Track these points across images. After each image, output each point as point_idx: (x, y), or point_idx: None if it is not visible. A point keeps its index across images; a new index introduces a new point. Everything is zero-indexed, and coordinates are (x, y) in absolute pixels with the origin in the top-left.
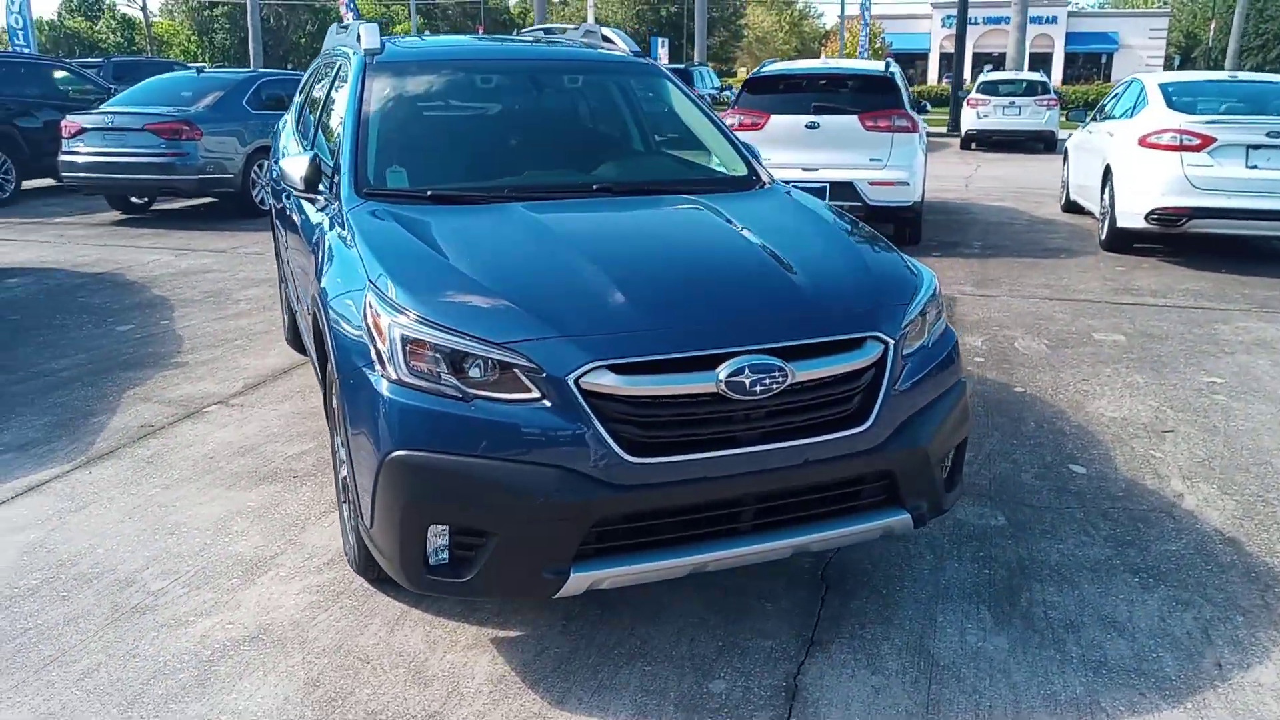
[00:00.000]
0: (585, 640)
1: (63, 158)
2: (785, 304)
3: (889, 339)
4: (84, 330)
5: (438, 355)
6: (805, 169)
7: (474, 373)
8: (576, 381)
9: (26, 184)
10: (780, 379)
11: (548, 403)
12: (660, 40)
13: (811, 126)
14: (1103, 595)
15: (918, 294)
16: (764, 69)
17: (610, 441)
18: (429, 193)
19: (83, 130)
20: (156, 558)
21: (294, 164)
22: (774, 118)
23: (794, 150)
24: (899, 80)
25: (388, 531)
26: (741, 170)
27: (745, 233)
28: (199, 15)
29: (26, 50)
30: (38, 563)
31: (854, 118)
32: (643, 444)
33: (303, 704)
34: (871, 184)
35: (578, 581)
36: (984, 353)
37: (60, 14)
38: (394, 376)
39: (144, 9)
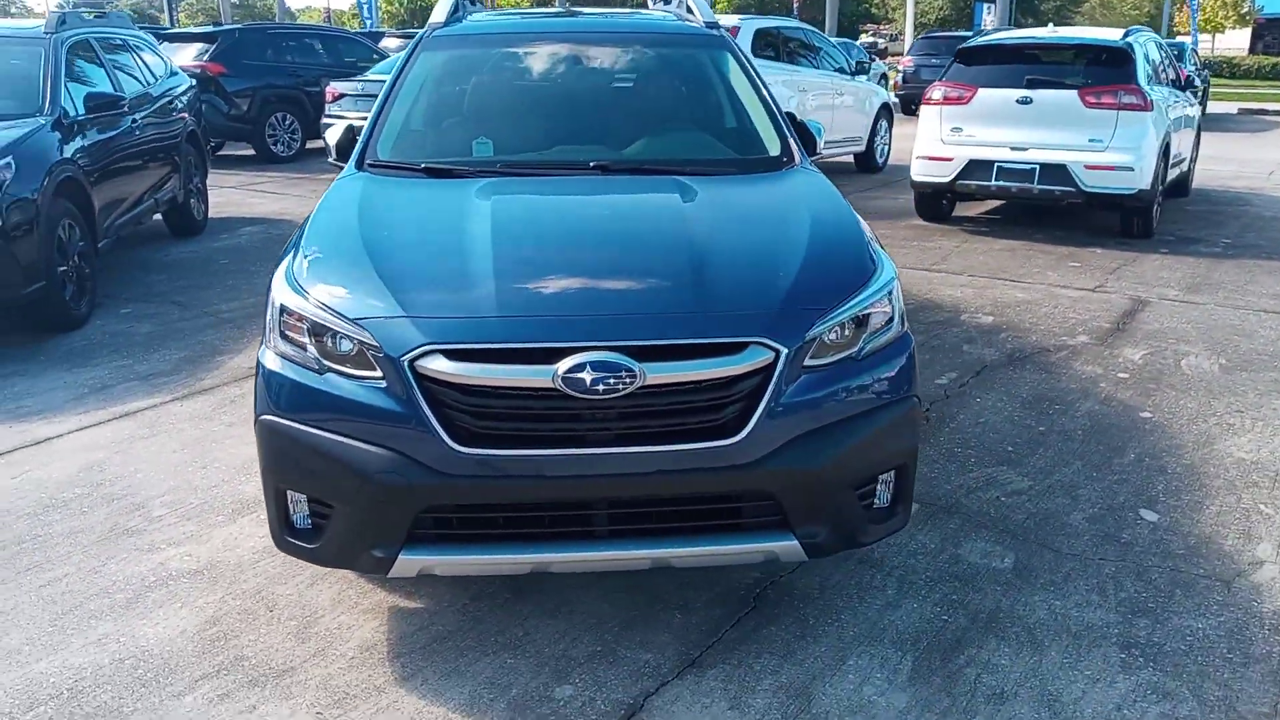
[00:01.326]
0: (473, 623)
1: (324, 120)
2: (662, 302)
3: (780, 347)
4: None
5: (303, 326)
6: (1013, 148)
7: (330, 347)
8: (411, 364)
9: (310, 144)
10: (628, 380)
11: (385, 383)
12: (986, 6)
13: (1023, 102)
14: (1063, 668)
15: (848, 301)
16: (980, 38)
17: (439, 428)
18: (423, 166)
19: (341, 96)
20: (175, 488)
21: (334, 132)
22: (982, 91)
23: (1002, 127)
24: (1138, 52)
25: (264, 491)
26: (773, 150)
27: (692, 222)
28: None
29: (369, 24)
30: (85, 479)
31: (1073, 93)
32: (475, 434)
33: (192, 638)
34: (1088, 167)
35: (406, 565)
36: (1134, 369)
37: None
38: (272, 343)
39: None
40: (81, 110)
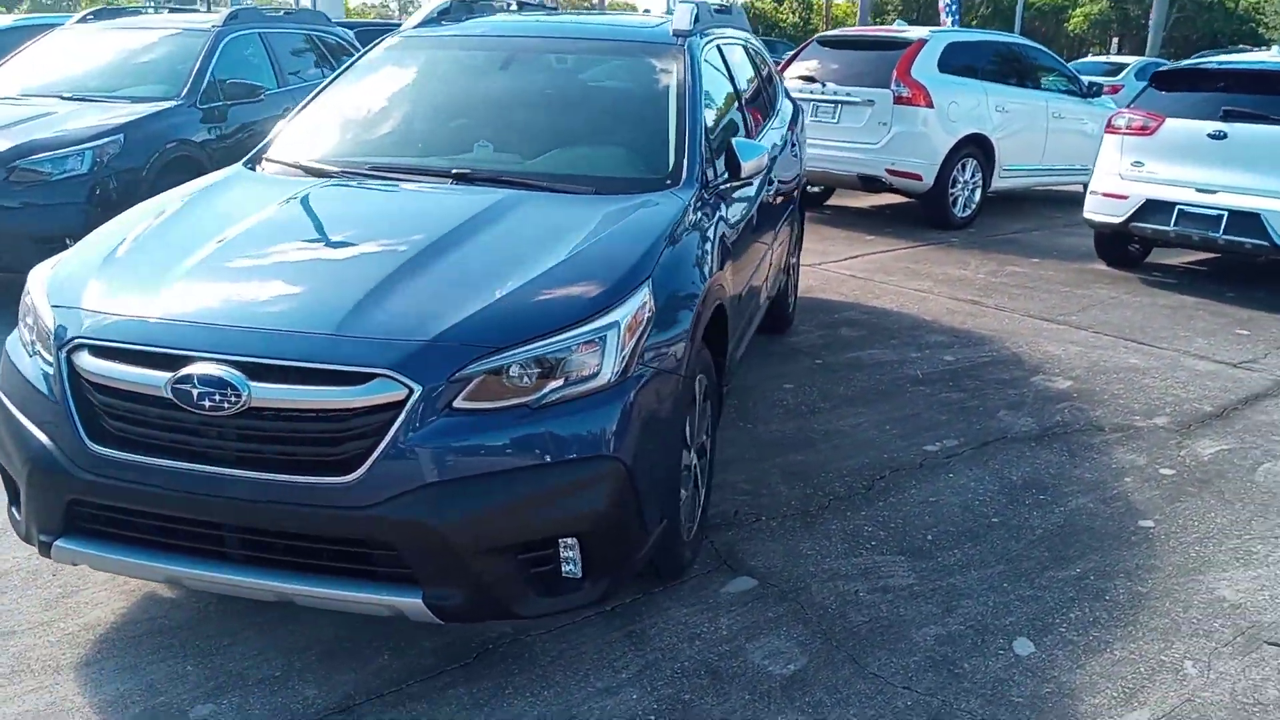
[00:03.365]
0: (200, 620)
1: None
2: (308, 319)
3: (412, 384)
4: None
5: (29, 305)
6: (1199, 190)
7: (37, 328)
8: (68, 355)
9: None
10: (233, 398)
11: (51, 370)
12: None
13: (1216, 136)
14: None
15: (532, 343)
16: (1189, 62)
17: (79, 423)
18: (301, 164)
19: None
20: None
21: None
22: (1169, 122)
23: (1188, 165)
24: None
25: None
26: (660, 172)
27: (442, 242)
28: None
29: None
30: None
31: (1278, 129)
32: (107, 434)
33: None
34: None
35: (61, 553)
36: (1187, 467)
37: None
38: (18, 320)
39: None
40: (217, 97)
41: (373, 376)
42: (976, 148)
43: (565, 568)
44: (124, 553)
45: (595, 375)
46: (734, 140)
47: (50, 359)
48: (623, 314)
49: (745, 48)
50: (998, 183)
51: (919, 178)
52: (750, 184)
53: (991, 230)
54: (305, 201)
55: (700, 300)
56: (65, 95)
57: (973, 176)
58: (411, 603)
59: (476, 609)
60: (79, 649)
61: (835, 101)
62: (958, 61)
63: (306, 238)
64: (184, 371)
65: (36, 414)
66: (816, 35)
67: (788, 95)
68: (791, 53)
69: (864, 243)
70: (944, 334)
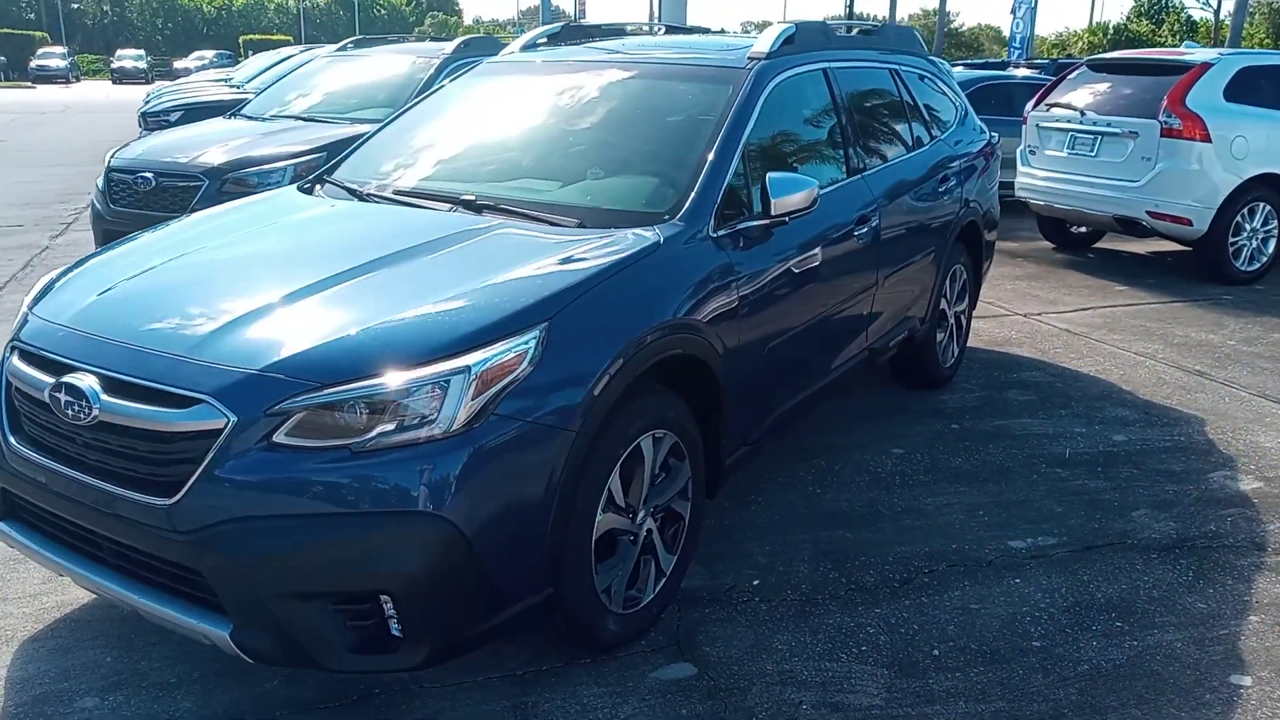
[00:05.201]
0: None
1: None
2: (178, 339)
3: (229, 414)
4: None
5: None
6: None
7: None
8: (8, 352)
9: None
10: (87, 409)
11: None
12: None
13: None
14: None
15: (362, 382)
16: None
17: (4, 415)
18: (345, 184)
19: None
20: None
21: None
22: None
23: None
24: None
25: None
26: (660, 206)
27: (381, 271)
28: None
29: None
30: None
31: None
32: (21, 429)
33: None
34: None
35: (3, 535)
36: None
37: (1128, 17)
38: None
39: (1215, 11)
40: None
41: (198, 402)
42: (1270, 190)
43: (393, 626)
44: (37, 543)
45: (430, 423)
46: (769, 175)
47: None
48: (479, 359)
49: (893, 73)
50: None
51: (1188, 223)
52: (795, 221)
53: None
54: (279, 223)
55: (641, 346)
56: (300, 116)
57: (1264, 224)
58: (221, 636)
59: (282, 654)
60: (39, 625)
61: (1095, 132)
62: (1252, 89)
63: (242, 258)
64: (62, 379)
65: None
66: (1088, 59)
67: (967, 124)
68: (1055, 78)
69: (1109, 293)
70: (1132, 408)
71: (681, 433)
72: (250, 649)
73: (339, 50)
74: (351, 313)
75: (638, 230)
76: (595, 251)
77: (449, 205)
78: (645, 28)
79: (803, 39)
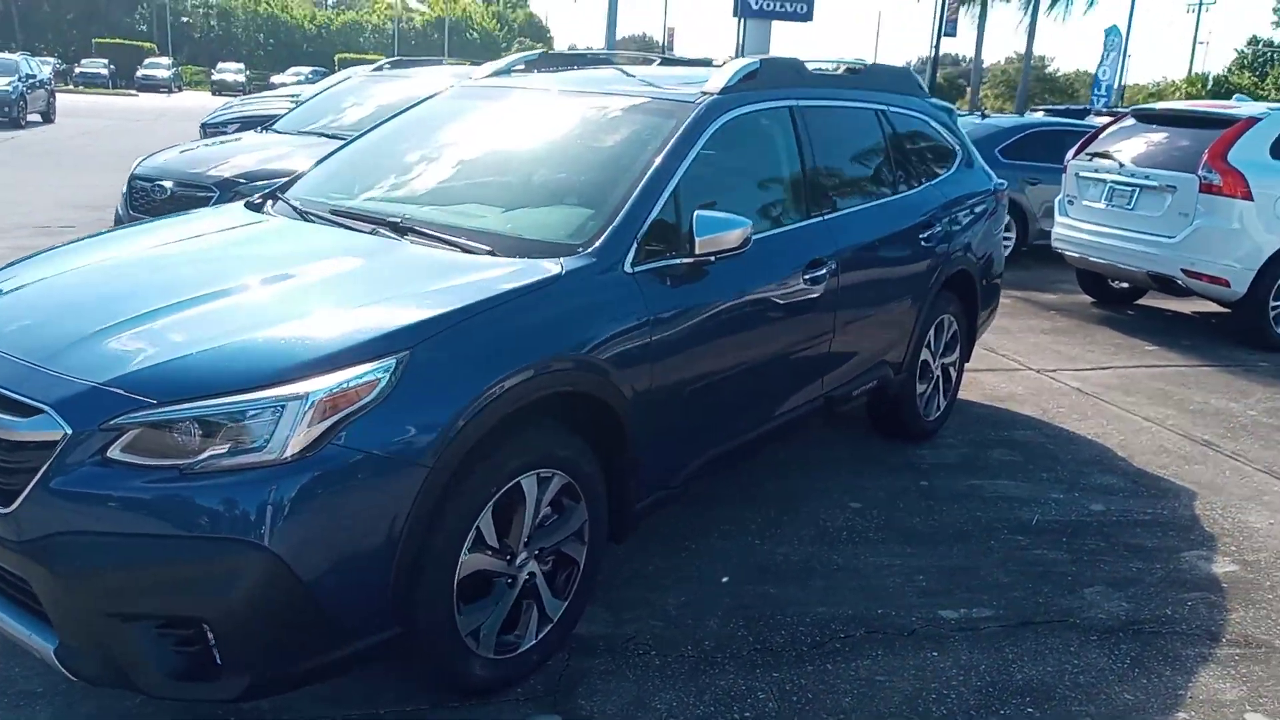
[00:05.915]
0: None
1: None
2: (41, 347)
3: (67, 426)
4: None
5: None
6: None
7: None
8: None
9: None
10: None
11: None
12: None
13: None
14: None
15: (196, 401)
16: None
17: None
18: (289, 201)
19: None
20: None
21: None
22: None
23: None
24: None
25: None
26: (576, 238)
27: (263, 289)
28: None
29: (1105, 106)
30: None
31: None
32: None
33: None
34: None
35: None
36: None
37: (1229, 69)
38: None
39: None
40: None
41: (39, 411)
42: None
43: (216, 655)
44: None
45: (261, 448)
46: (697, 212)
47: None
48: (323, 386)
49: (879, 114)
50: None
51: (1226, 283)
52: (730, 261)
53: None
54: (200, 238)
55: (522, 381)
56: (326, 133)
57: None
58: (44, 648)
59: (104, 675)
60: None
61: (1133, 184)
62: None
63: (138, 271)
64: None
65: None
66: (1134, 108)
67: (969, 169)
68: (1098, 128)
69: (1137, 352)
70: (1121, 476)
71: (575, 473)
72: (72, 666)
73: (375, 70)
74: (208, 331)
75: (543, 261)
76: (484, 281)
77: (371, 227)
78: (642, 57)
79: (768, 75)
